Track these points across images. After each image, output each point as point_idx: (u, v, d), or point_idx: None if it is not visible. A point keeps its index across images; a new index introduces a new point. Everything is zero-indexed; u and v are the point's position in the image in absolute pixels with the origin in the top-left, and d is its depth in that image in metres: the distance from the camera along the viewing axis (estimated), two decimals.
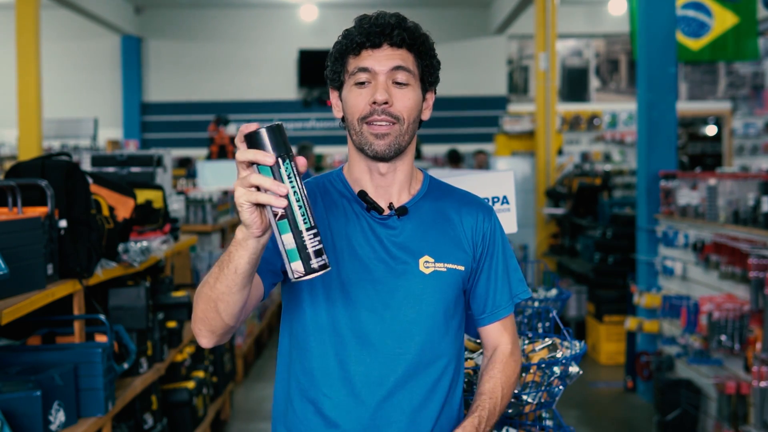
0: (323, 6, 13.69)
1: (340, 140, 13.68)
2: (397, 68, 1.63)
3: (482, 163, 11.15)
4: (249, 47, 13.87)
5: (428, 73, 1.69)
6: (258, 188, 1.32)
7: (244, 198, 1.32)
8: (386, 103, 1.61)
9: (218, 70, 13.87)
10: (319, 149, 13.47)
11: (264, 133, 1.31)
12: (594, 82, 14.03)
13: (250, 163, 1.33)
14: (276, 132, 1.32)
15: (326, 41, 13.83)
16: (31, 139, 8.61)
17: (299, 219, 1.32)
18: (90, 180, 3.12)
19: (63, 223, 2.86)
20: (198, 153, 12.62)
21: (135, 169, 4.82)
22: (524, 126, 11.08)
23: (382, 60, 1.62)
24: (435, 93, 1.74)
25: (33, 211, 2.73)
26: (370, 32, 1.62)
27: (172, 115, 13.98)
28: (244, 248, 1.40)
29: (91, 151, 6.66)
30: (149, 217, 3.88)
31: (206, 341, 1.58)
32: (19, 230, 2.59)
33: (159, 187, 4.11)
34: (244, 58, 13.89)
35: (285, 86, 14.01)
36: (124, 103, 13.84)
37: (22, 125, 8.67)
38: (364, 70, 1.62)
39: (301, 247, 1.33)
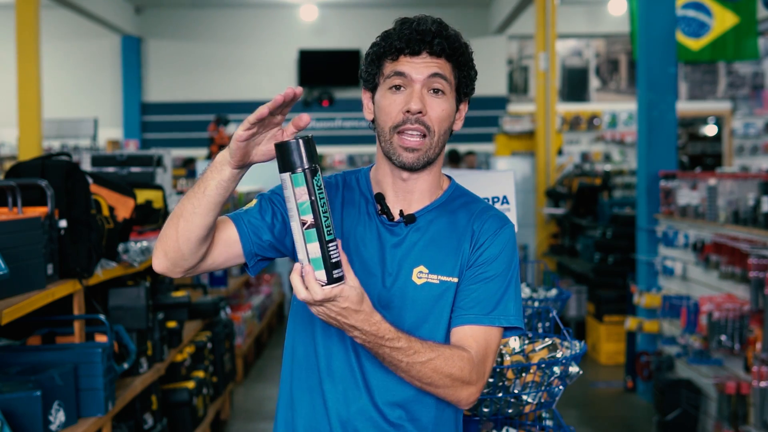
0: (323, 6, 13.70)
1: (341, 140, 13.70)
2: (435, 75, 1.60)
3: (472, 163, 11.16)
4: (249, 47, 13.87)
5: (464, 84, 1.67)
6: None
7: (248, 118, 1.42)
8: (420, 112, 1.59)
9: (218, 70, 13.87)
10: (319, 149, 13.40)
11: (301, 142, 1.39)
12: (594, 82, 14.03)
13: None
14: (311, 144, 1.40)
15: (326, 41, 13.85)
16: (31, 139, 8.61)
17: (325, 230, 1.38)
18: (90, 180, 3.12)
19: (63, 223, 2.86)
20: (198, 153, 12.62)
21: (135, 169, 4.82)
22: (524, 126, 11.08)
23: (419, 67, 1.60)
24: (468, 103, 1.71)
25: (33, 211, 2.73)
26: (411, 39, 1.59)
27: (172, 115, 13.98)
28: (218, 172, 1.49)
29: (91, 151, 6.66)
30: (149, 217, 3.89)
31: (158, 262, 1.59)
32: (19, 230, 2.59)
33: (159, 187, 4.11)
34: (244, 58, 13.89)
35: (285, 86, 13.90)
36: (124, 103, 13.84)
37: (22, 125, 8.67)
38: (401, 74, 1.60)
39: (326, 257, 1.38)
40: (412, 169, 1.63)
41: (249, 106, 13.87)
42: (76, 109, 13.33)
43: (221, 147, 9.10)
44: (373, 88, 1.66)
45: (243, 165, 1.48)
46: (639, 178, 6.18)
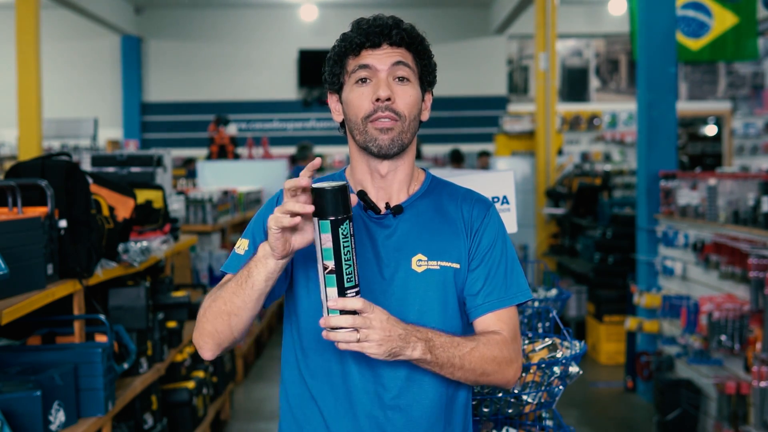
0: (323, 6, 13.70)
1: (340, 140, 13.63)
2: (398, 63, 1.65)
3: (485, 164, 11.16)
4: (249, 47, 13.88)
5: (426, 72, 1.71)
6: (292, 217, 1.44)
7: (273, 222, 1.45)
8: (389, 99, 1.63)
9: (218, 70, 13.87)
10: (319, 149, 13.47)
11: (333, 193, 1.44)
12: (594, 82, 14.04)
13: (294, 214, 1.44)
14: (344, 193, 1.44)
15: (326, 41, 13.81)
16: (31, 139, 8.62)
17: (345, 277, 1.45)
18: (90, 180, 3.11)
19: (63, 223, 2.85)
20: (198, 153, 12.62)
21: (135, 169, 4.82)
22: (524, 126, 11.07)
23: (382, 57, 1.65)
24: (432, 95, 1.76)
25: (33, 211, 2.73)
26: (370, 32, 1.64)
27: (172, 115, 13.99)
28: (263, 266, 1.51)
29: (91, 151, 6.66)
30: (149, 217, 3.88)
31: (210, 354, 1.64)
32: (19, 230, 2.59)
33: (159, 187, 4.10)
34: (244, 58, 13.89)
35: (285, 86, 14.01)
36: (124, 103, 13.84)
37: (22, 125, 8.67)
38: (365, 67, 1.65)
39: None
40: (389, 154, 1.66)
41: (249, 106, 13.90)
42: (76, 109, 13.33)
43: (221, 147, 9.15)
44: (339, 89, 1.72)
45: (286, 255, 1.50)
46: (639, 178, 6.18)
